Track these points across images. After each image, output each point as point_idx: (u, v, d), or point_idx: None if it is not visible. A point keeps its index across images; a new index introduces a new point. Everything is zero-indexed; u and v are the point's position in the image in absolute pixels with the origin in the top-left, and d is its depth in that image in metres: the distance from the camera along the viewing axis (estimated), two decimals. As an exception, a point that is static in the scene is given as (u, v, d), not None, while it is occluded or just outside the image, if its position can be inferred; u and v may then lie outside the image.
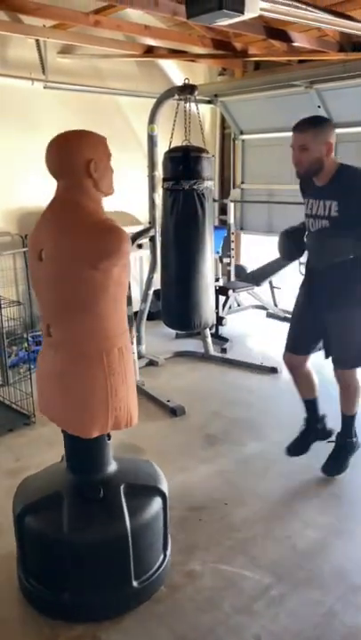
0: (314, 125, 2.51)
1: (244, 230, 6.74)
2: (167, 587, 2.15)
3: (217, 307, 4.90)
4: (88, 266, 1.79)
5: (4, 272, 4.87)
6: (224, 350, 4.81)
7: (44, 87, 5.03)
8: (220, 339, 5.01)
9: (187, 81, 3.84)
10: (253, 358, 4.61)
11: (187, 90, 3.79)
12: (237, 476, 2.92)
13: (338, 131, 6.06)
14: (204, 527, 2.51)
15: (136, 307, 4.48)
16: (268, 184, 6.41)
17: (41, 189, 4.85)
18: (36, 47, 4.96)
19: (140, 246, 4.63)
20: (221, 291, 5.13)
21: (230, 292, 5.19)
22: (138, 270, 5.45)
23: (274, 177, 6.36)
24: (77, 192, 1.86)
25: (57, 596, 2.00)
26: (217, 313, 4.86)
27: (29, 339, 4.34)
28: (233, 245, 5.77)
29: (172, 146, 3.78)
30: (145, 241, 4.44)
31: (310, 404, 3.01)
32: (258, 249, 6.70)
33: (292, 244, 2.86)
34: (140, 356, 4.43)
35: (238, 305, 5.86)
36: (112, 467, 2.14)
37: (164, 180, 3.75)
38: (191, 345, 4.93)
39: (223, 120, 6.75)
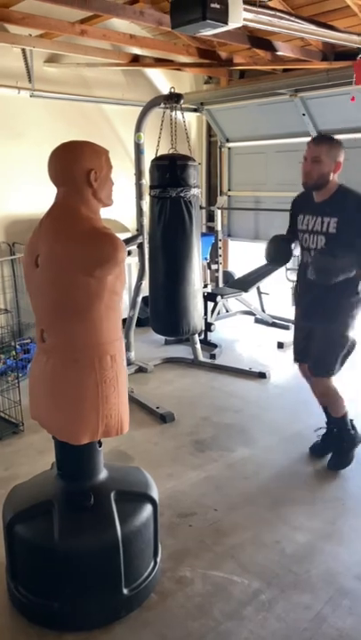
0: (330, 141, 2.61)
1: (231, 237, 6.79)
2: (157, 593, 2.15)
3: (205, 313, 4.92)
4: (83, 273, 1.81)
5: (-8, 280, 4.87)
6: (213, 356, 4.83)
7: (31, 96, 5.04)
8: (208, 345, 5.03)
9: (172, 89, 3.87)
10: (242, 364, 4.64)
11: (173, 98, 3.82)
12: (227, 482, 2.92)
13: (323, 138, 6.12)
14: (194, 533, 2.52)
15: (125, 313, 4.48)
16: (255, 191, 6.48)
17: (28, 198, 4.92)
18: (22, 56, 4.97)
19: (128, 253, 4.63)
20: (210, 297, 5.16)
21: (218, 298, 5.22)
22: (126, 277, 5.44)
23: (260, 184, 6.43)
24: (76, 200, 1.89)
25: (47, 605, 1.99)
26: (205, 319, 4.89)
27: (17, 347, 4.33)
28: (221, 252, 5.81)
29: (158, 154, 3.81)
30: (133, 248, 4.46)
31: (326, 409, 3.10)
32: (245, 255, 6.75)
33: (279, 249, 2.92)
34: (129, 363, 4.43)
35: (227, 311, 5.89)
36: (103, 474, 2.14)
37: (152, 187, 3.78)
38: (180, 351, 4.94)
39: (209, 128, 6.81)
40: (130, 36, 4.81)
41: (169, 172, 3.63)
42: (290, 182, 6.15)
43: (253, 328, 5.73)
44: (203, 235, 4.45)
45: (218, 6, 2.78)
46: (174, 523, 2.58)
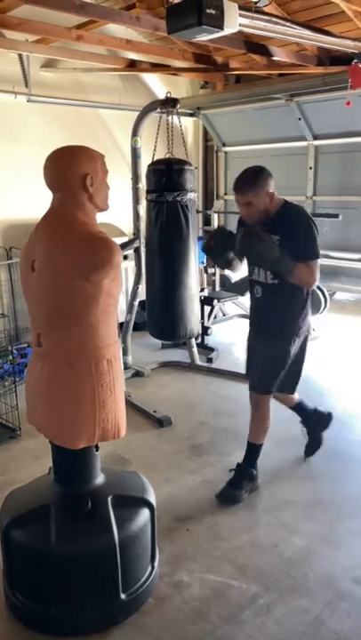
0: (251, 185, 2.56)
1: (228, 241, 6.80)
2: (155, 598, 2.14)
3: (202, 317, 4.92)
4: (79, 277, 1.81)
5: (-11, 285, 4.87)
6: (210, 360, 4.83)
7: (28, 101, 5.06)
8: (205, 348, 5.03)
9: (169, 94, 3.88)
10: (239, 367, 4.62)
11: (169, 103, 3.84)
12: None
13: (319, 143, 6.22)
14: (192, 537, 2.51)
15: (122, 317, 4.49)
16: (251, 195, 6.49)
17: (25, 202, 4.92)
18: (19, 61, 4.99)
19: (125, 257, 4.65)
20: (206, 301, 5.16)
21: (215, 301, 5.22)
22: (123, 281, 5.46)
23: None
24: (72, 205, 1.89)
25: (44, 611, 1.98)
26: (202, 323, 4.89)
27: (14, 351, 4.32)
28: (217, 256, 5.80)
29: (155, 158, 3.82)
30: (130, 252, 4.47)
31: (297, 409, 3.09)
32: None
33: (220, 242, 2.81)
34: (126, 367, 4.43)
35: (223, 315, 5.90)
36: (100, 478, 2.14)
37: (148, 192, 3.79)
38: (177, 355, 4.94)
39: (206, 132, 6.83)
40: (126, 42, 4.83)
41: (166, 176, 3.63)
42: (286, 186, 6.17)
43: (250, 332, 5.72)
44: (199, 239, 4.46)
45: (214, 12, 2.80)
46: (172, 527, 2.57)
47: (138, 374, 4.53)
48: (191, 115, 6.43)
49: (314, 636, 1.97)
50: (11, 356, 4.10)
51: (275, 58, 4.67)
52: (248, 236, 2.51)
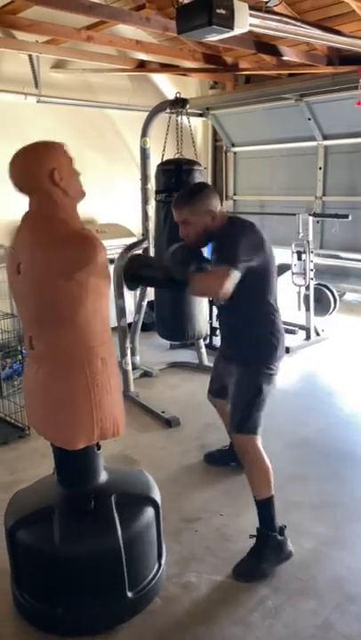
0: (188, 202, 2.33)
1: (236, 241, 6.78)
2: (162, 598, 2.14)
3: (210, 317, 4.91)
4: (64, 278, 1.78)
5: (-2, 285, 4.88)
6: (218, 361, 4.82)
7: (38, 102, 5.08)
8: (214, 349, 5.00)
9: (178, 95, 3.88)
10: (247, 368, 4.62)
11: (178, 103, 3.84)
12: (232, 487, 2.91)
13: (328, 143, 6.19)
14: (200, 538, 2.51)
15: (130, 318, 4.49)
16: (260, 195, 6.48)
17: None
18: (29, 62, 5.02)
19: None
20: (215, 301, 5.14)
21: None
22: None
23: (265, 188, 6.44)
24: (49, 205, 1.86)
25: (50, 610, 1.99)
26: (210, 323, 4.88)
27: (23, 351, 4.33)
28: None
29: (164, 158, 3.82)
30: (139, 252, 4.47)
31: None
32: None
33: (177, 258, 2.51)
34: (134, 367, 4.43)
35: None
36: (103, 477, 2.13)
37: (157, 192, 3.79)
38: (185, 356, 4.93)
39: (215, 133, 6.83)
40: (136, 42, 4.84)
41: (175, 176, 3.64)
42: (295, 186, 6.17)
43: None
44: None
45: (224, 12, 2.80)
46: (180, 528, 2.57)
47: (146, 374, 4.53)
48: (200, 115, 6.43)
49: (323, 639, 1.96)
50: (20, 356, 4.12)
51: (285, 58, 4.66)
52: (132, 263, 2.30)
